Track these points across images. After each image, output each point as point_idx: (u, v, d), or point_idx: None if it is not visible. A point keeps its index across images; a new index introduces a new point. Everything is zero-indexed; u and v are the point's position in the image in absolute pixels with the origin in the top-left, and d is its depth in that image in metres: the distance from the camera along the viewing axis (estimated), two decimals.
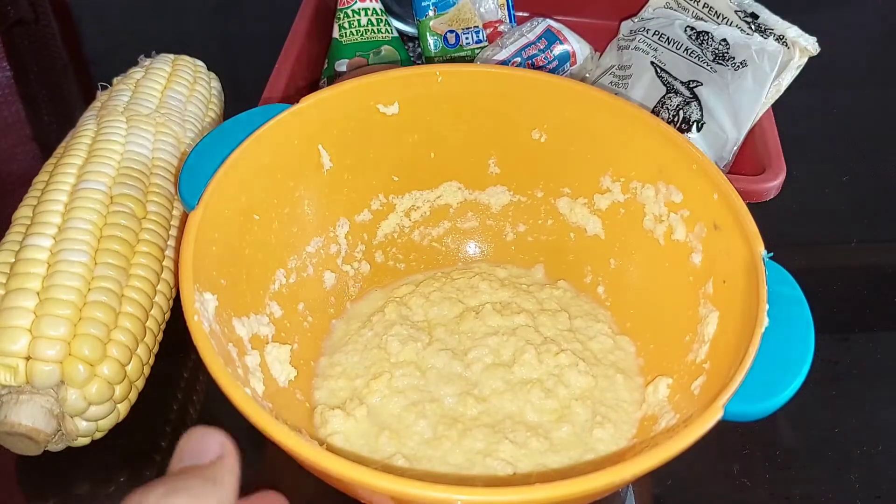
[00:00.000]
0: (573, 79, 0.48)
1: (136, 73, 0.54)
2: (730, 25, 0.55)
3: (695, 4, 0.58)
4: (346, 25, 0.61)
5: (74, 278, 0.39)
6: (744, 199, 0.37)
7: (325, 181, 0.44)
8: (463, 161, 0.47)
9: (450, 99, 0.44)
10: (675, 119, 0.54)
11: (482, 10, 0.63)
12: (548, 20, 0.62)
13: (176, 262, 0.43)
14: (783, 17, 0.54)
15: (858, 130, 0.67)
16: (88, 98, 0.53)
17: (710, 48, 0.54)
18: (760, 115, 0.52)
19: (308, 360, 0.43)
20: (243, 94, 0.57)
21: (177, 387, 0.46)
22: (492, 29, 0.63)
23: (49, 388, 0.38)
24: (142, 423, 0.42)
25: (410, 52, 0.66)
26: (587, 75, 0.63)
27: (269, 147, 0.41)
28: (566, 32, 0.61)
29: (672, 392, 0.39)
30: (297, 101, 0.42)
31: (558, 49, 0.60)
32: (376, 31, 0.61)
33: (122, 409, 0.41)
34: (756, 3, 0.55)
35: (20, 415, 0.37)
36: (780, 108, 0.53)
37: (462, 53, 0.61)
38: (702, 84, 0.53)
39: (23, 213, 0.43)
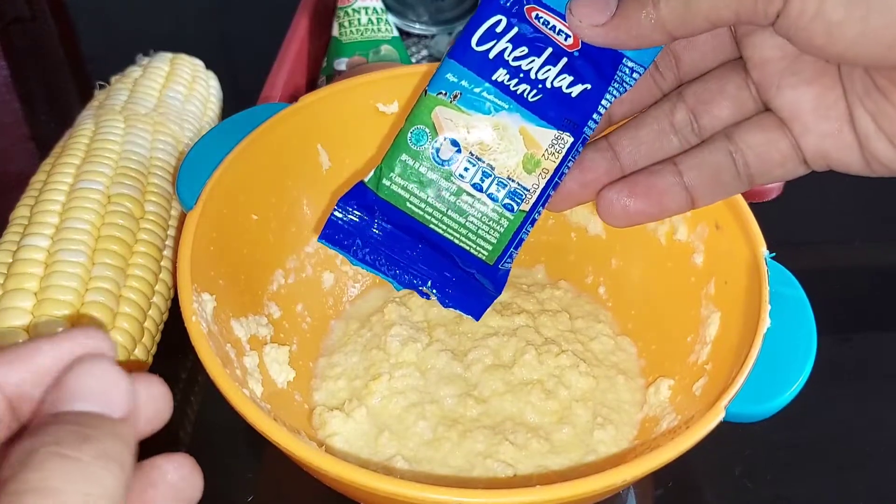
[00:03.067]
0: None
1: (134, 72, 0.53)
2: None
3: None
4: (346, 24, 0.60)
5: (72, 279, 0.39)
6: (745, 199, 0.37)
7: (324, 180, 0.44)
8: None
9: None
10: None
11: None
12: None
13: (174, 262, 0.43)
14: None
15: None
16: (86, 97, 0.53)
17: None
18: None
19: (307, 360, 0.43)
20: (242, 92, 0.56)
21: (175, 388, 0.45)
22: None
23: None
24: None
25: (410, 50, 0.65)
26: None
27: (268, 146, 0.40)
28: None
29: (673, 393, 0.39)
30: (296, 100, 0.42)
31: None
32: (376, 29, 0.61)
33: None
34: None
35: None
36: None
37: (446, 186, 0.30)
38: None
39: (20, 212, 0.43)
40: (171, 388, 0.48)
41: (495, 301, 0.45)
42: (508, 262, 0.31)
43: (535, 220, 0.30)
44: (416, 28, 0.67)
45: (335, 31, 0.61)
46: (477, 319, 0.31)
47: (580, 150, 0.30)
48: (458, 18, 0.66)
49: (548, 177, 0.29)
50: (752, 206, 0.37)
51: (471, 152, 0.29)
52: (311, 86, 0.61)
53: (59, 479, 0.15)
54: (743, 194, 0.37)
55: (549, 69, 0.28)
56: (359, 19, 0.60)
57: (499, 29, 0.28)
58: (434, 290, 0.30)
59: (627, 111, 0.31)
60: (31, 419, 0.18)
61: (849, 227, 0.58)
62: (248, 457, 0.43)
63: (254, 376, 0.37)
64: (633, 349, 0.43)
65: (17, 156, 0.62)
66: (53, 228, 0.41)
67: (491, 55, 0.28)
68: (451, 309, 0.31)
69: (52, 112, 0.66)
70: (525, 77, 0.28)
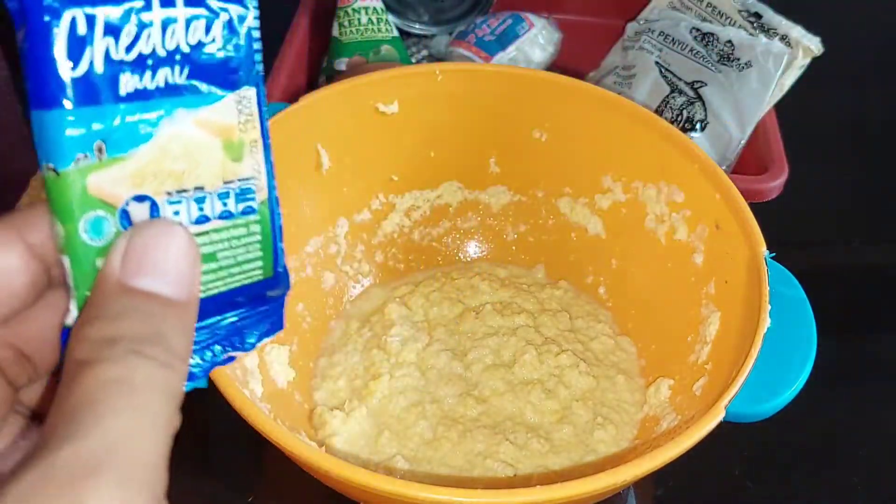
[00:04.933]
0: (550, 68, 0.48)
1: None
2: (733, 25, 0.55)
3: (698, 4, 0.58)
4: (346, 24, 0.60)
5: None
6: (746, 199, 0.37)
7: (323, 181, 0.44)
8: (463, 160, 0.47)
9: (450, 98, 0.44)
10: (679, 119, 0.54)
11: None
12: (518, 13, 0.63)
13: None
14: (787, 17, 0.53)
15: (860, 130, 0.67)
16: None
17: (716, 49, 0.54)
18: (763, 115, 0.52)
19: (307, 360, 0.43)
20: None
21: None
22: None
23: None
24: None
25: (410, 51, 0.65)
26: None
27: None
28: (532, 18, 0.62)
29: (673, 393, 0.39)
30: (296, 100, 0.42)
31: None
32: (376, 29, 0.61)
33: None
34: (759, 3, 0.55)
35: None
36: (783, 107, 0.53)
37: None
38: (706, 84, 0.53)
39: None
40: None
41: (495, 301, 0.45)
42: (283, 260, 0.26)
43: (278, 198, 0.24)
44: (416, 28, 0.67)
45: (335, 31, 0.61)
46: (281, 328, 0.26)
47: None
48: (458, 18, 0.66)
49: (261, 147, 0.23)
50: (752, 206, 0.37)
51: (167, 192, 0.21)
52: (311, 86, 0.61)
53: (142, 379, 0.16)
54: (743, 194, 0.37)
55: (174, 27, 0.21)
56: (359, 19, 0.60)
57: (80, 30, 0.19)
58: (230, 349, 0.25)
59: None
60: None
61: (849, 227, 0.58)
62: (249, 457, 0.43)
63: (254, 376, 0.37)
64: (633, 349, 0.43)
65: (18, 156, 0.62)
66: None
67: (98, 68, 0.20)
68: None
69: None
70: (156, 60, 0.20)
